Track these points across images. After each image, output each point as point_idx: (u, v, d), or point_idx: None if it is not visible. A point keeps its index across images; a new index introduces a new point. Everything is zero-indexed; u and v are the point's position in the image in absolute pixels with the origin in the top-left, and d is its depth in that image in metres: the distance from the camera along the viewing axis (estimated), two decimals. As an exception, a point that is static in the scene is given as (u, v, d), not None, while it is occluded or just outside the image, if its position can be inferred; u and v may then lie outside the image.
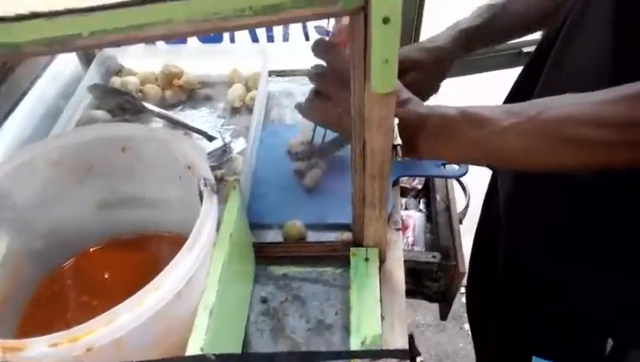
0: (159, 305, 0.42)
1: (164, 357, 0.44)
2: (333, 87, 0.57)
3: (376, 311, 0.60)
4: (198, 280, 0.47)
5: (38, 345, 0.38)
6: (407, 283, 0.67)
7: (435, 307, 0.87)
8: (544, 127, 0.46)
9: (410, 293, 0.71)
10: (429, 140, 0.52)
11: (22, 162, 0.54)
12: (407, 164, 0.76)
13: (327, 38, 0.63)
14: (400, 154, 0.56)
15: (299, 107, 0.64)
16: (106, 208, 0.62)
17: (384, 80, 0.47)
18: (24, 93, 0.75)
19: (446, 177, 0.75)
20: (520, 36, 0.78)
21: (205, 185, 0.50)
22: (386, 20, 0.43)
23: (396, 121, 0.57)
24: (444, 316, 0.84)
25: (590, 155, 0.45)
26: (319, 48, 0.58)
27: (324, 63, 0.60)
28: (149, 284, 0.42)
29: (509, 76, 0.79)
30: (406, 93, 0.55)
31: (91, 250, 0.64)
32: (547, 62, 0.63)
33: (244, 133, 0.85)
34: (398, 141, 0.67)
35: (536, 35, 0.78)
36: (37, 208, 0.58)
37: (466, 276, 0.84)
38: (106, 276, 0.61)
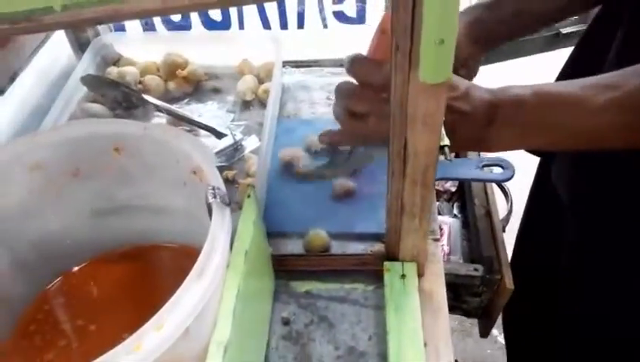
0: (162, 347, 0.33)
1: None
2: (371, 103, 0.48)
3: (418, 336, 0.51)
4: (209, 311, 0.39)
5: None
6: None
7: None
8: None
9: (448, 309, 0.62)
10: (504, 132, 0.45)
11: (-4, 164, 0.45)
12: (443, 167, 0.67)
13: (363, 54, 0.53)
14: (448, 155, 0.47)
15: (325, 137, 0.55)
16: (99, 217, 0.53)
17: (437, 67, 0.38)
18: (4, 88, 0.66)
19: (488, 181, 0.66)
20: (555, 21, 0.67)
21: (214, 196, 0.41)
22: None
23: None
24: (484, 333, 0.75)
25: None
26: (356, 64, 0.49)
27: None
28: (149, 322, 0.33)
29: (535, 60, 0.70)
30: (463, 82, 0.46)
31: (84, 264, 0.56)
32: (615, 39, 0.53)
33: (257, 130, 0.76)
34: (446, 141, 0.57)
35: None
36: (19, 219, 0.49)
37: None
38: (103, 295, 0.52)
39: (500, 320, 0.79)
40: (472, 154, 0.77)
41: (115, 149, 0.48)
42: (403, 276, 0.55)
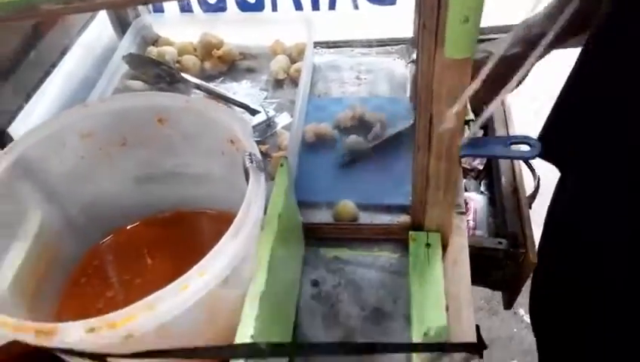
0: (204, 290, 0.37)
1: (209, 344, 0.39)
2: None
3: (440, 299, 0.54)
4: (246, 265, 0.42)
5: (74, 330, 0.34)
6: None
7: (486, 289, 0.79)
8: None
9: (472, 281, 0.64)
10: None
11: (50, 133, 0.50)
12: (471, 143, 0.68)
13: None
14: (472, 130, 0.48)
15: None
16: (144, 183, 0.57)
17: (461, 42, 0.40)
18: (56, 62, 0.71)
19: (516, 158, 0.67)
20: None
21: (251, 162, 0.44)
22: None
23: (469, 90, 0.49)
24: (507, 305, 0.76)
25: None
26: None
27: None
28: (194, 269, 0.37)
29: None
30: None
31: (131, 226, 0.60)
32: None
33: (289, 107, 0.79)
34: (471, 116, 0.59)
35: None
36: (71, 182, 0.54)
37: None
38: (147, 253, 0.56)
39: (526, 299, 0.81)
40: (499, 133, 0.78)
41: (159, 120, 0.52)
42: (428, 245, 0.58)
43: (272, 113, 0.76)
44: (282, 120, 0.76)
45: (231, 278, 0.39)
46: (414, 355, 0.50)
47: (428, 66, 0.43)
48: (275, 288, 0.46)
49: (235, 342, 0.41)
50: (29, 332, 0.35)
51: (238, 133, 0.48)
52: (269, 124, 0.75)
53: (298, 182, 0.66)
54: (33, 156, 0.49)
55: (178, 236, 0.57)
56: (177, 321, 0.37)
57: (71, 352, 0.38)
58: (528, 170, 0.80)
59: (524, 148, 0.67)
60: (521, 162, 0.77)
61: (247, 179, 0.44)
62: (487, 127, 0.81)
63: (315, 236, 0.61)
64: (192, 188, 0.57)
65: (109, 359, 0.39)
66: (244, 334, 0.41)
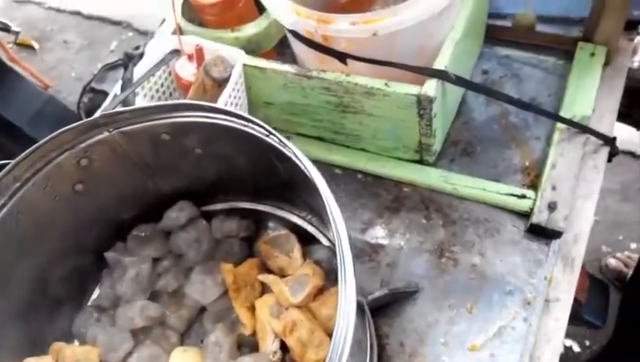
0: (429, 12, 0.52)
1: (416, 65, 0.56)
2: None
3: (591, 96, 0.65)
4: (452, 13, 0.57)
5: (343, 21, 0.52)
6: (620, 105, 0.69)
7: (623, 174, 0.85)
8: None
9: (620, 116, 0.73)
10: None
11: None
12: None
13: None
14: None
15: None
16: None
17: None
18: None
19: None
20: None
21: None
22: None
23: None
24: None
25: None
26: None
27: None
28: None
29: None
30: None
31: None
32: None
33: None
34: None
35: None
36: None
37: None
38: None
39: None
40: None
41: None
42: (592, 54, 0.68)
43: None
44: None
45: (444, 15, 0.55)
46: (557, 127, 0.63)
47: None
48: (464, 44, 0.61)
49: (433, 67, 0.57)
50: (313, 19, 0.54)
51: None
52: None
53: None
54: None
55: None
56: (405, 35, 0.53)
57: (327, 50, 0.57)
58: None
59: None
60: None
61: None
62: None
63: (494, 36, 0.73)
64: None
65: (349, 61, 0.57)
66: (442, 63, 0.57)
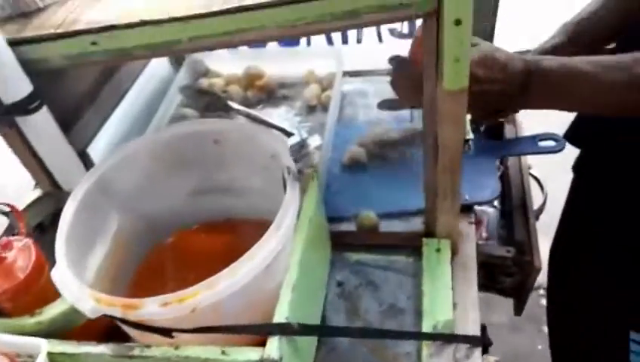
0: (252, 273, 0.47)
1: (252, 323, 0.49)
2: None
3: (448, 297, 0.62)
4: (283, 257, 0.52)
5: (152, 304, 0.45)
6: (480, 277, 0.68)
7: (510, 307, 0.87)
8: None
9: (484, 287, 0.71)
10: (534, 99, 0.58)
11: (125, 155, 0.62)
12: (504, 145, 0.80)
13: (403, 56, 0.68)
14: (471, 148, 0.58)
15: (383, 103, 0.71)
16: (198, 195, 0.68)
17: (456, 77, 0.50)
18: (126, 92, 0.83)
19: (545, 152, 0.76)
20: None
21: (289, 173, 0.55)
22: (457, 22, 0.46)
23: (468, 117, 0.59)
24: (518, 311, 0.83)
25: None
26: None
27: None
28: (245, 255, 0.47)
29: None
30: (501, 55, 0.57)
31: (187, 230, 0.71)
32: None
33: (320, 130, 0.89)
34: (470, 136, 0.69)
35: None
36: (139, 194, 0.65)
37: (547, 276, 0.84)
38: (200, 253, 0.67)
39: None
40: (527, 132, 0.85)
41: (215, 141, 0.63)
42: (438, 250, 0.67)
43: (305, 135, 0.87)
44: (314, 141, 0.87)
45: (272, 265, 0.49)
46: (423, 343, 0.59)
47: (431, 95, 0.54)
48: (306, 279, 0.56)
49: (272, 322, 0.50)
50: (117, 306, 0.46)
51: (278, 150, 0.59)
52: (302, 145, 0.86)
53: (327, 199, 0.75)
54: (111, 175, 0.61)
55: (226, 239, 0.68)
56: (230, 300, 0.47)
57: (145, 328, 0.48)
58: (537, 185, 0.88)
59: (552, 143, 0.76)
60: (530, 179, 0.85)
61: (284, 188, 0.55)
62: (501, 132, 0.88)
63: (340, 241, 0.71)
64: (238, 199, 0.68)
65: (174, 334, 0.49)
66: (281, 314, 0.51)
